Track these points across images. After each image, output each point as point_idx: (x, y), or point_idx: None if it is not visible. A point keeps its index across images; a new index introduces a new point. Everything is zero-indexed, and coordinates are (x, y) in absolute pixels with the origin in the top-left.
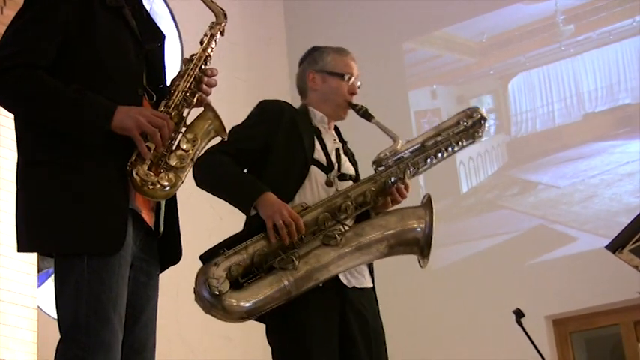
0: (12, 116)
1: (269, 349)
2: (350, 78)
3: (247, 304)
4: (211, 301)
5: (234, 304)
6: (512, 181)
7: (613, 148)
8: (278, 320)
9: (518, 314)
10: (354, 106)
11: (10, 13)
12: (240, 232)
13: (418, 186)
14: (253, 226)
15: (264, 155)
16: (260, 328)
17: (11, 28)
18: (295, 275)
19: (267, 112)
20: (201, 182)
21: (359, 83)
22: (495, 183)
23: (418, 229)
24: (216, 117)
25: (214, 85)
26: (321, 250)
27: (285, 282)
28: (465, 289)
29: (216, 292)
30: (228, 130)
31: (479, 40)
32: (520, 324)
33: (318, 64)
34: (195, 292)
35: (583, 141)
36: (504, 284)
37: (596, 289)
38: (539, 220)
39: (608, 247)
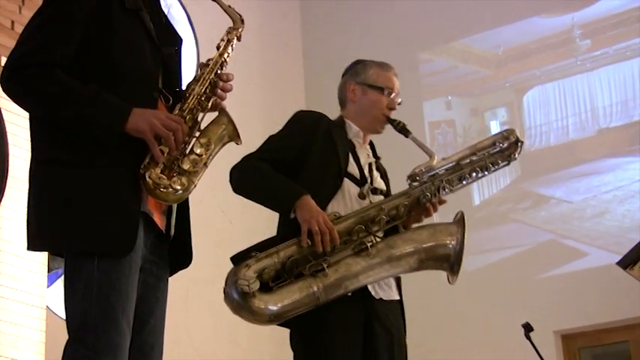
0: (25, 115)
1: (276, 354)
2: (390, 93)
3: (275, 308)
4: (240, 302)
5: (263, 306)
6: (524, 194)
7: (627, 164)
8: (302, 327)
9: (527, 328)
10: (391, 121)
11: (28, 13)
12: (273, 236)
13: None
14: (286, 231)
15: (299, 165)
16: (268, 333)
17: (29, 27)
18: (325, 282)
19: (304, 123)
20: (239, 187)
21: (399, 100)
22: (508, 196)
23: (450, 245)
24: (231, 122)
25: (230, 90)
26: (351, 260)
27: (315, 288)
28: (474, 301)
29: (246, 291)
30: (242, 138)
31: (495, 52)
32: (529, 338)
33: (360, 77)
34: (224, 292)
35: (597, 156)
36: (514, 298)
37: (606, 305)
38: (550, 235)
39: (619, 263)
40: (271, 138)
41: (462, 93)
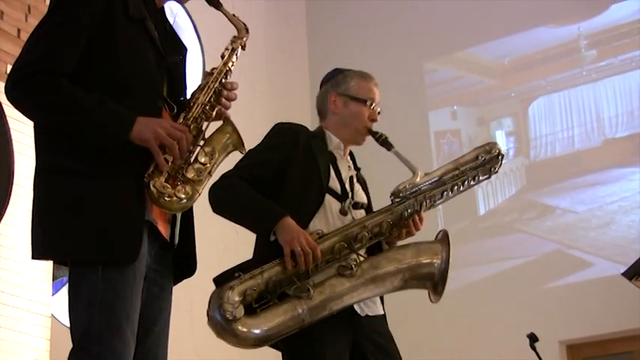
0: (30, 123)
1: None
2: (371, 104)
3: (259, 331)
4: (224, 326)
5: (246, 330)
6: (530, 204)
7: (632, 175)
8: (292, 348)
9: (532, 339)
10: (373, 134)
11: (34, 21)
12: (256, 256)
13: (435, 209)
14: (266, 250)
15: (279, 181)
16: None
17: (34, 35)
18: (310, 304)
19: (283, 135)
20: (217, 207)
21: (379, 109)
22: (513, 206)
23: (434, 265)
24: (235, 131)
25: (234, 99)
26: (336, 280)
27: (300, 310)
28: (479, 311)
29: (230, 318)
30: (246, 147)
31: (500, 62)
32: (534, 348)
33: (341, 88)
34: (208, 315)
35: (602, 166)
36: (519, 308)
37: (611, 315)
38: (555, 245)
39: (624, 274)
40: (250, 152)
41: (468, 103)
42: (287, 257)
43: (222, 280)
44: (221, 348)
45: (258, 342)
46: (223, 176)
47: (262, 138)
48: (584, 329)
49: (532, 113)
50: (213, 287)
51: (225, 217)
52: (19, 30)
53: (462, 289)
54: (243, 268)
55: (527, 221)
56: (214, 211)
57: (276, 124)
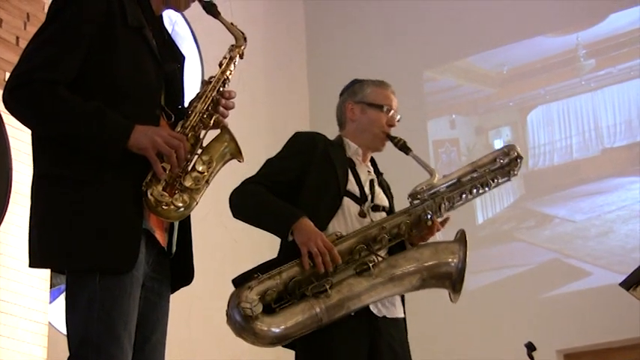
0: (29, 131)
1: None
2: (389, 110)
3: (278, 330)
4: (243, 325)
5: (265, 328)
6: (528, 213)
7: (630, 184)
8: (307, 348)
9: (530, 348)
10: (392, 138)
11: (33, 29)
12: (275, 257)
13: None
14: (288, 253)
15: (298, 187)
16: (271, 351)
17: (32, 44)
18: (327, 303)
19: (301, 144)
20: (237, 212)
21: (398, 116)
22: (511, 215)
23: (451, 264)
24: (233, 139)
25: (232, 108)
26: (354, 280)
27: (317, 309)
28: (476, 320)
29: (248, 316)
30: (244, 156)
31: (499, 71)
32: (531, 357)
33: (358, 96)
34: (227, 314)
35: (600, 176)
36: (517, 317)
37: (609, 324)
38: (554, 254)
39: (622, 284)
40: (269, 161)
41: (467, 112)
42: (304, 258)
43: (241, 281)
44: (219, 356)
45: (276, 340)
46: (244, 182)
47: (261, 147)
48: (581, 338)
49: (531, 122)
50: (210, 295)
51: (245, 222)
52: (17, 38)
53: (459, 298)
54: (262, 269)
55: (526, 230)
56: (235, 216)
57: (295, 133)
